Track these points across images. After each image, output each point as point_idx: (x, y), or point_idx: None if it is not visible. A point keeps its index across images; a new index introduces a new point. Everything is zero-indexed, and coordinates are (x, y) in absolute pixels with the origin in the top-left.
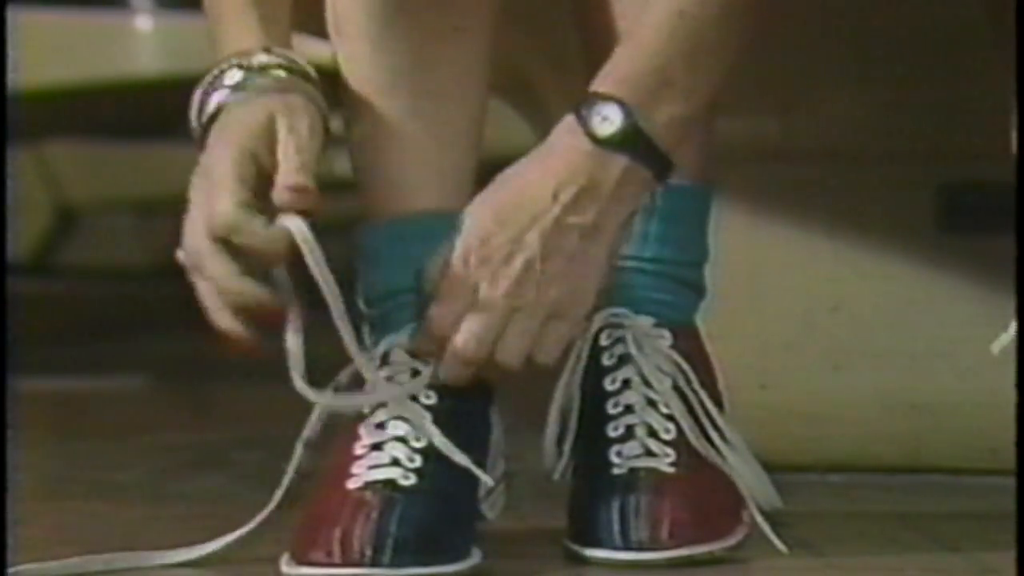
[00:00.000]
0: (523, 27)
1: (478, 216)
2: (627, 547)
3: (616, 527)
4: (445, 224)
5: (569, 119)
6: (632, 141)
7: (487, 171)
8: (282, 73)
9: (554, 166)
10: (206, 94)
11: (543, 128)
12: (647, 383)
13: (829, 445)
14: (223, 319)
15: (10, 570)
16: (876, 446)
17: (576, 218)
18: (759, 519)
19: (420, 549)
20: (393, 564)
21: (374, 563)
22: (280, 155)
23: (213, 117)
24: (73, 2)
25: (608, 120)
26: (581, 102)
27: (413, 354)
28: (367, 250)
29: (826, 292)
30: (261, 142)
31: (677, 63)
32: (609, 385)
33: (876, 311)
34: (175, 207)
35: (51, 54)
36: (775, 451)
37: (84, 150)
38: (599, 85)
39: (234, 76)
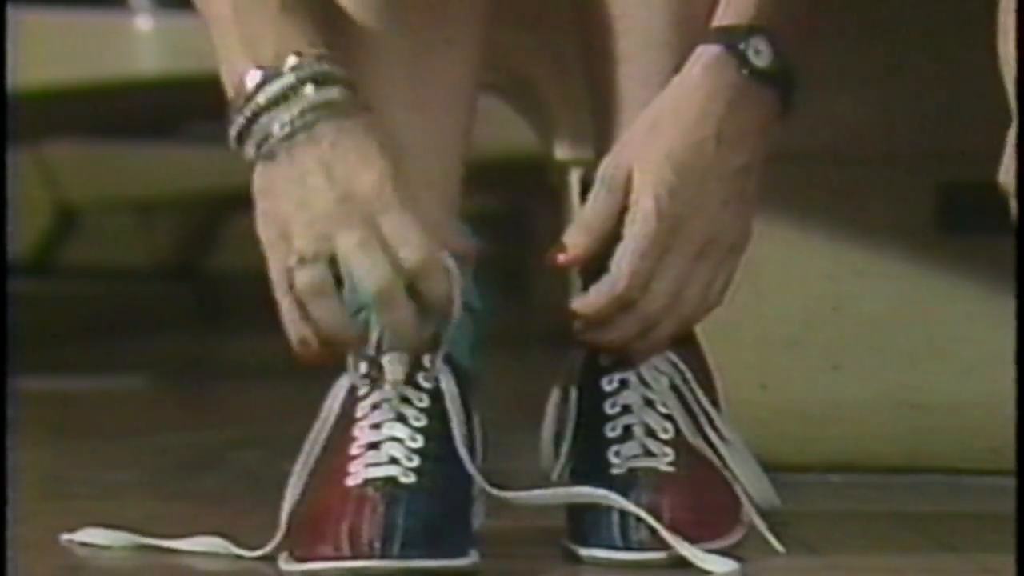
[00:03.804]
0: (523, 27)
1: (656, 168)
2: (627, 547)
3: (616, 527)
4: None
5: (716, 53)
6: (780, 71)
7: (487, 172)
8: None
9: (712, 106)
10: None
11: (543, 128)
12: (645, 383)
13: (829, 445)
14: (335, 341)
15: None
16: (876, 446)
17: (740, 158)
18: (756, 519)
19: (427, 542)
20: (402, 556)
21: (383, 555)
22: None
23: (302, 127)
24: (73, 2)
25: (761, 53)
26: (725, 36)
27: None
28: None
29: (826, 292)
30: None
31: None
32: (607, 385)
33: (876, 311)
34: (175, 207)
35: (51, 54)
36: (775, 451)
37: (84, 150)
38: (730, 19)
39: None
